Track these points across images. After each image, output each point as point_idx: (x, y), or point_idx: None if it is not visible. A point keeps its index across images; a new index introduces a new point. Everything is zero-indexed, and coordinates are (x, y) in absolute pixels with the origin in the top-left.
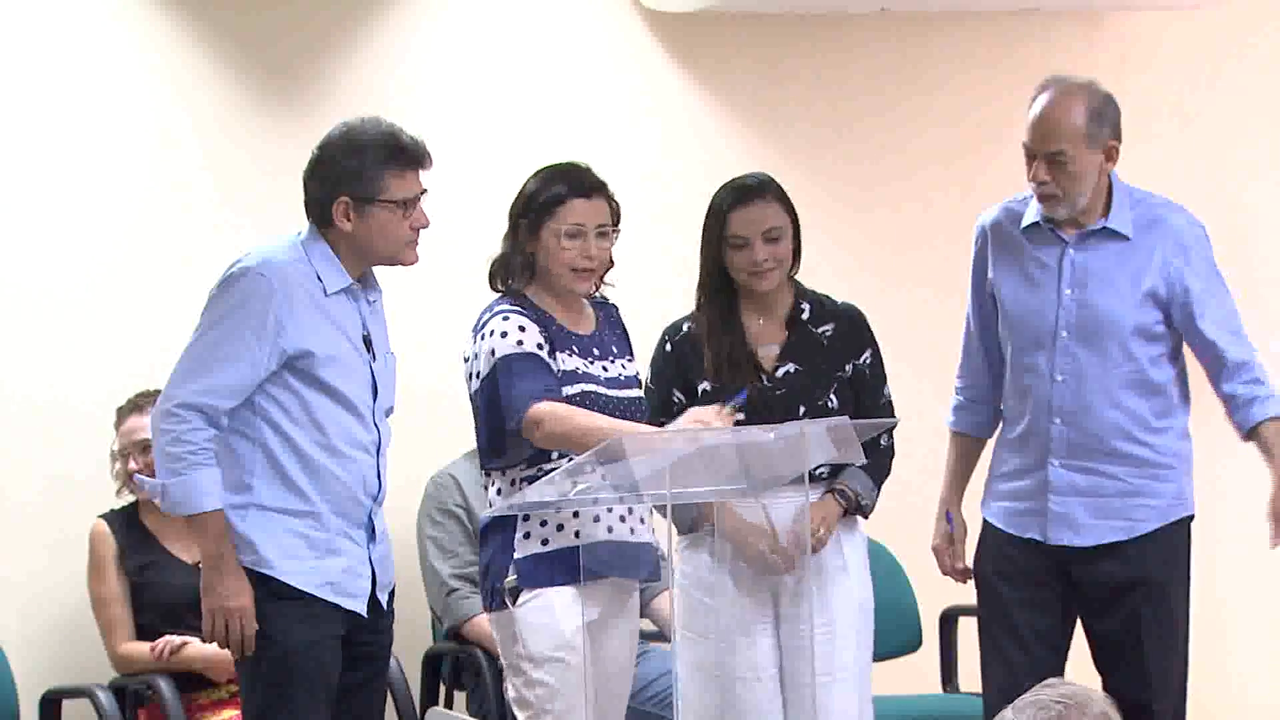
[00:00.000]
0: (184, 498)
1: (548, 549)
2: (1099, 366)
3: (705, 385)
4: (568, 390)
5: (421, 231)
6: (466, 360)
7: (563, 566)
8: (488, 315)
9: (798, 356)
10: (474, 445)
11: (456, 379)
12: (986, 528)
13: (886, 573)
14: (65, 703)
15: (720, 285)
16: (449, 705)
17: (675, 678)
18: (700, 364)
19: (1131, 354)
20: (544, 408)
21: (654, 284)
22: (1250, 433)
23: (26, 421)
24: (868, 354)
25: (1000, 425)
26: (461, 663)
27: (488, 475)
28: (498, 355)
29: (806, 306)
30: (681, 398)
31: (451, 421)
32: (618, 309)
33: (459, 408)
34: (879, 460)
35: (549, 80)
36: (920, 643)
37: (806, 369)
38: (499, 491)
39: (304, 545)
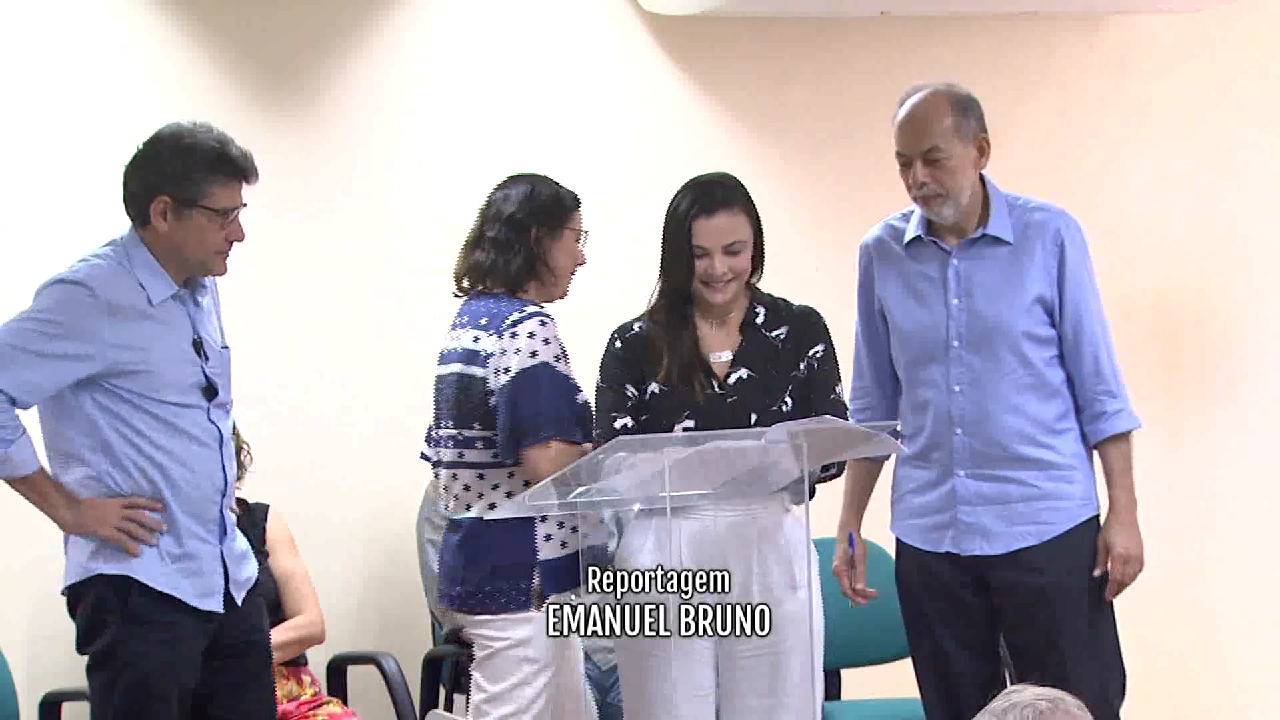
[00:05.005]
0: (21, 460)
1: (566, 551)
2: (994, 374)
3: (655, 388)
4: (578, 399)
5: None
6: (487, 355)
7: (577, 569)
8: (518, 315)
9: (750, 362)
10: None
11: None
12: (901, 546)
13: (883, 576)
14: (66, 705)
15: (677, 289)
16: (449, 708)
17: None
18: (652, 365)
19: (1026, 358)
20: (551, 452)
21: (653, 286)
22: (1097, 445)
23: (29, 423)
24: (819, 348)
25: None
26: (461, 666)
27: (502, 470)
28: (539, 359)
29: (761, 311)
30: (636, 394)
31: None
32: None
33: None
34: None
35: (548, 83)
36: None
37: (759, 375)
38: (506, 493)
39: (161, 550)
